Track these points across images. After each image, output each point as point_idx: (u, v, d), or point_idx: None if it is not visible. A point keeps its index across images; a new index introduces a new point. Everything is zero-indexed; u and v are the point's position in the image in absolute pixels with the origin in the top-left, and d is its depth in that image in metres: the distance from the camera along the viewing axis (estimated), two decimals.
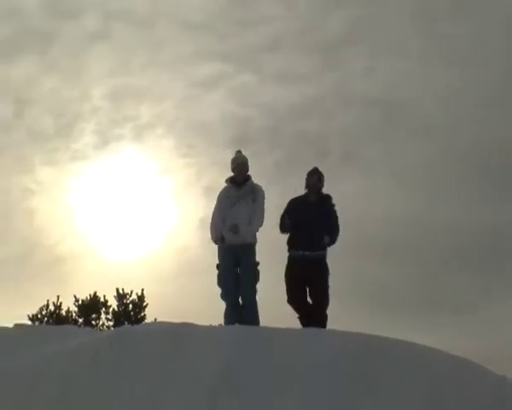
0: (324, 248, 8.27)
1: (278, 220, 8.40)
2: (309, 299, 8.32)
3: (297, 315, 8.31)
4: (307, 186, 8.41)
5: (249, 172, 8.25)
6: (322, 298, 8.22)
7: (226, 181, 8.15)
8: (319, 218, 8.23)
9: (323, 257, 8.25)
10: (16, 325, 8.33)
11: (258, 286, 8.22)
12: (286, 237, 8.46)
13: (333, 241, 8.29)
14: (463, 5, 23.77)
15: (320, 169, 8.46)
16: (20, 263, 25.51)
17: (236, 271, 8.10)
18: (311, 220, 8.17)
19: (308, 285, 8.26)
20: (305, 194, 8.43)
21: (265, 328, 7.52)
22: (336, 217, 8.40)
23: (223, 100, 27.02)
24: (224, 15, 25.88)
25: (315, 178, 8.32)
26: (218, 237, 8.00)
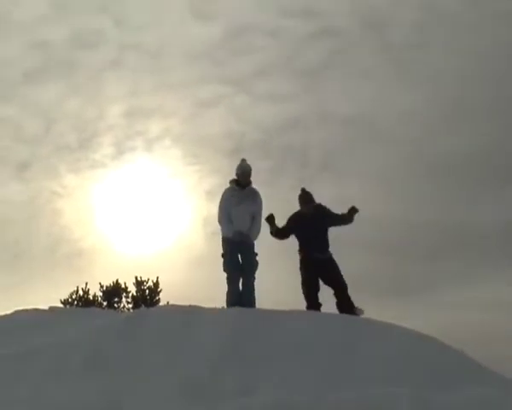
0: (329, 249, 8.27)
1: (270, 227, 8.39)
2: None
3: (306, 305, 8.22)
4: (305, 204, 8.34)
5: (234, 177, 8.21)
6: (341, 281, 8.19)
7: (231, 182, 8.08)
8: (322, 226, 8.26)
9: (331, 255, 8.28)
10: (51, 308, 8.30)
11: (256, 274, 8.19)
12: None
13: (350, 221, 8.33)
14: (424, 35, 24.28)
15: (306, 189, 8.49)
16: (48, 255, 25.57)
17: (239, 260, 8.10)
18: (316, 230, 8.19)
19: (322, 279, 8.23)
20: (305, 210, 8.37)
21: (261, 309, 7.54)
22: (332, 212, 8.40)
23: (221, 117, 27.26)
24: (221, 46, 26.11)
25: (311, 206, 8.30)
26: (233, 235, 7.96)
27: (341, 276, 8.10)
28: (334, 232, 8.46)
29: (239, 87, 28.04)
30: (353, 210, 8.23)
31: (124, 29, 26.31)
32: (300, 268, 8.20)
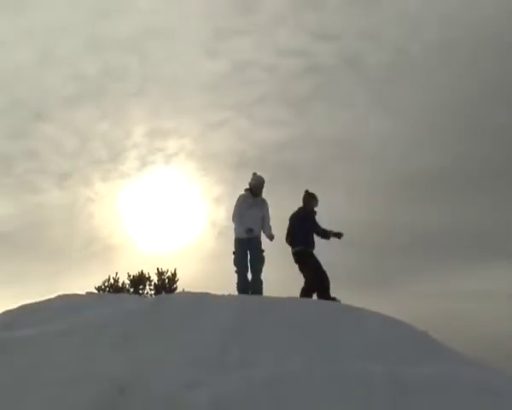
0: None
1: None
2: None
3: (316, 289, 7.85)
4: (308, 201, 8.17)
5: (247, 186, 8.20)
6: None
7: (246, 190, 8.07)
8: (311, 225, 8.11)
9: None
10: (87, 293, 8.29)
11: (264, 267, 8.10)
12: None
13: (327, 236, 8.11)
14: (396, 71, 24.80)
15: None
16: (83, 250, 25.71)
17: (247, 256, 8.05)
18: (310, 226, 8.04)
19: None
20: (308, 206, 8.17)
21: (266, 296, 7.60)
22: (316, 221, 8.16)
23: (226, 137, 27.82)
24: (227, 78, 26.60)
25: (312, 203, 8.16)
26: (245, 232, 7.86)
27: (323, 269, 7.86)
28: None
29: (241, 113, 28.49)
30: (339, 235, 8.10)
31: (146, 64, 26.73)
32: (305, 261, 7.98)
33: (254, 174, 8.01)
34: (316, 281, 7.67)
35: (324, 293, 7.61)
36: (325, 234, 7.91)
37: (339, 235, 7.99)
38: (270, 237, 7.85)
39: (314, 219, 7.97)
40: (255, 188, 7.93)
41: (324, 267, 7.84)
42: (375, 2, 24.24)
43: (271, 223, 8.11)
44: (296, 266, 8.00)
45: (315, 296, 7.82)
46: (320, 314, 6.45)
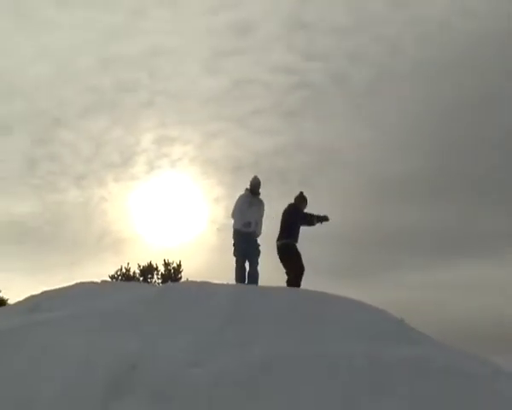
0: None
1: None
2: None
3: (300, 277, 7.83)
4: (299, 200, 8.15)
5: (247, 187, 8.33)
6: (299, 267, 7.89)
7: (246, 190, 8.22)
8: (300, 220, 8.06)
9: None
10: (102, 281, 8.36)
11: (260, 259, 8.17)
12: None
13: (312, 223, 8.04)
14: (377, 87, 26.11)
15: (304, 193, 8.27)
16: (98, 243, 26.00)
17: (246, 248, 8.11)
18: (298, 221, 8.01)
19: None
20: (298, 205, 8.13)
21: (261, 286, 7.61)
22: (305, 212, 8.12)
23: (225, 145, 28.31)
24: (226, 93, 27.32)
25: (303, 204, 8.16)
26: (244, 225, 7.97)
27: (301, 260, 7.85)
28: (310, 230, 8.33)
29: (238, 123, 29.67)
30: (325, 218, 8.03)
31: (154, 79, 27.36)
32: (292, 251, 7.96)
33: (254, 176, 8.21)
34: (299, 271, 7.77)
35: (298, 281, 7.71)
36: (311, 221, 7.92)
37: (325, 218, 7.97)
38: (257, 235, 8.08)
39: (303, 214, 8.02)
40: (253, 187, 8.14)
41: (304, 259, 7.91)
42: (359, 25, 24.78)
43: (264, 222, 8.24)
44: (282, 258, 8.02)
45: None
46: (308, 301, 6.47)
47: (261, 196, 8.31)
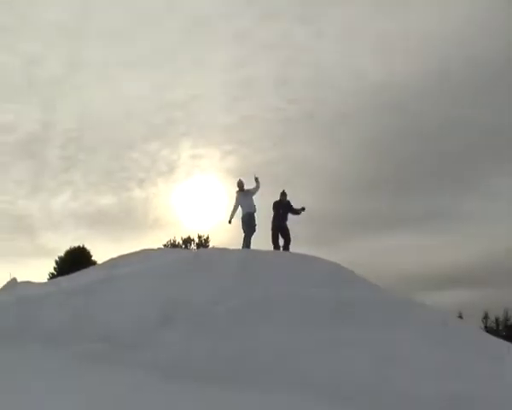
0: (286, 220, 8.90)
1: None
2: (280, 240, 8.82)
3: (273, 246, 8.69)
4: (281, 197, 8.90)
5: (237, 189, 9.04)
6: (288, 240, 8.77)
7: (238, 191, 8.94)
8: (286, 209, 8.87)
9: (286, 224, 8.86)
10: (158, 248, 8.97)
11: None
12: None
13: (297, 213, 8.94)
14: (343, 115, 31.07)
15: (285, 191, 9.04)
16: (153, 225, 31.10)
17: (248, 227, 8.73)
18: (284, 210, 8.83)
19: (281, 234, 8.80)
20: (280, 199, 8.91)
21: (261, 250, 8.00)
22: (291, 206, 8.92)
23: (235, 160, 32.84)
24: (235, 125, 32.41)
25: (284, 198, 8.88)
26: (246, 212, 8.72)
27: (289, 235, 8.73)
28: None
29: (243, 145, 34.11)
30: (303, 209, 8.89)
31: (190, 116, 32.76)
32: (272, 228, 8.83)
33: (238, 179, 9.10)
34: (289, 241, 8.86)
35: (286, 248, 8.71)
36: (296, 212, 9.02)
37: (303, 209, 8.97)
38: (257, 183, 8.91)
39: (289, 206, 8.93)
40: (238, 186, 9.01)
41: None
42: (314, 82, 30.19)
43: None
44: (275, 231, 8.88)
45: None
46: (293, 260, 7.04)
47: (261, 194, 9.15)
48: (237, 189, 8.94)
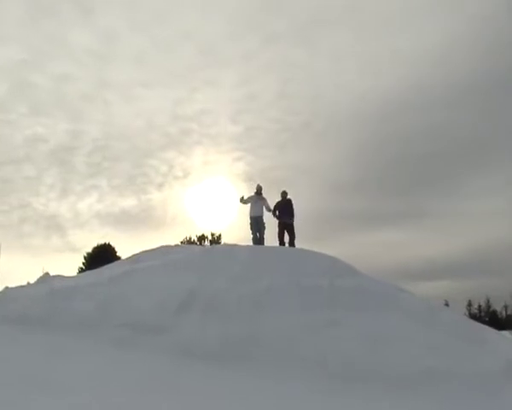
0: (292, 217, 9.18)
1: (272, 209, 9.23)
2: (286, 236, 9.05)
3: (278, 242, 8.90)
4: (282, 196, 9.28)
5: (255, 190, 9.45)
6: (293, 234, 9.04)
7: (255, 193, 9.37)
8: (287, 207, 9.17)
9: (292, 222, 9.12)
10: (175, 245, 8.96)
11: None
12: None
13: (291, 215, 9.15)
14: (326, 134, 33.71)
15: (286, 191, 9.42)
16: (171, 223, 34.40)
17: (256, 225, 9.09)
18: (285, 209, 9.13)
19: (286, 231, 9.06)
20: (282, 199, 9.26)
21: (267, 246, 8.29)
22: (292, 205, 9.23)
23: (243, 166, 35.86)
24: (242, 136, 35.27)
25: (285, 195, 9.26)
26: (252, 215, 9.06)
27: (294, 232, 9.14)
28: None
29: (250, 153, 36.92)
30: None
31: (202, 128, 35.52)
32: (278, 225, 9.13)
33: (257, 184, 9.58)
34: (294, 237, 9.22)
35: (292, 243, 9.03)
36: (291, 213, 9.24)
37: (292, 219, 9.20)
38: (268, 209, 9.33)
39: (290, 204, 9.32)
40: (257, 190, 9.42)
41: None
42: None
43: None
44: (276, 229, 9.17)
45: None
46: (294, 254, 7.25)
47: (264, 197, 9.41)
48: (255, 191, 9.35)
